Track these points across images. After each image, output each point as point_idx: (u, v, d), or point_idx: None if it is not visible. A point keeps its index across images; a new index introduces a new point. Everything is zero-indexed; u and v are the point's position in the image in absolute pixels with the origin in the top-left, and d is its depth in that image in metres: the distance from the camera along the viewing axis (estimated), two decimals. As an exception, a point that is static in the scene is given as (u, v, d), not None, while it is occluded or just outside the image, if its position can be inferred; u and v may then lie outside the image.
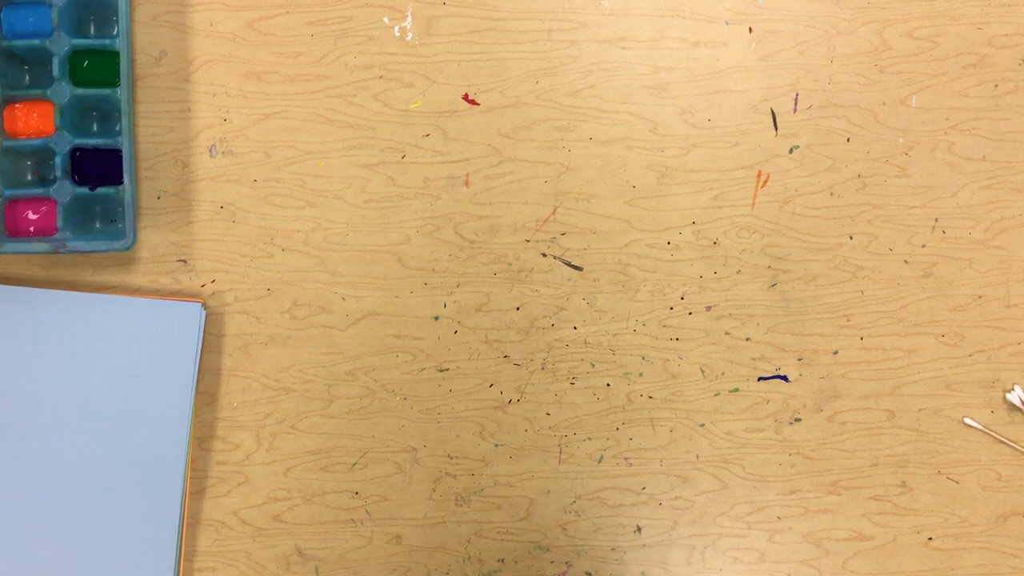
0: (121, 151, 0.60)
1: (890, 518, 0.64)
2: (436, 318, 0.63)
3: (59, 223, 0.59)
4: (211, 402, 0.62)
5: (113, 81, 0.60)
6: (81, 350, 0.60)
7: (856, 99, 0.64)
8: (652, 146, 0.63)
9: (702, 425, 0.64)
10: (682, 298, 0.64)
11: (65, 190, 0.59)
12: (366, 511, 0.63)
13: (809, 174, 0.64)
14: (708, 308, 0.64)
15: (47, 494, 0.59)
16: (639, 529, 0.64)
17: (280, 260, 0.62)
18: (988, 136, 0.64)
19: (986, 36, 0.64)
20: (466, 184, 0.63)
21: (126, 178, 0.60)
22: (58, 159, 0.59)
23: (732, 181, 0.64)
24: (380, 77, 0.62)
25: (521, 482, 0.63)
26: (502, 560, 0.63)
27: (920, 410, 0.64)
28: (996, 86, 0.64)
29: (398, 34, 0.63)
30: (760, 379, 0.64)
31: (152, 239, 0.62)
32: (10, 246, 0.58)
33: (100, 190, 0.59)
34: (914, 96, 0.64)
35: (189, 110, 0.62)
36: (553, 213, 0.63)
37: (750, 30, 0.63)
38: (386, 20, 0.62)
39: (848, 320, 0.64)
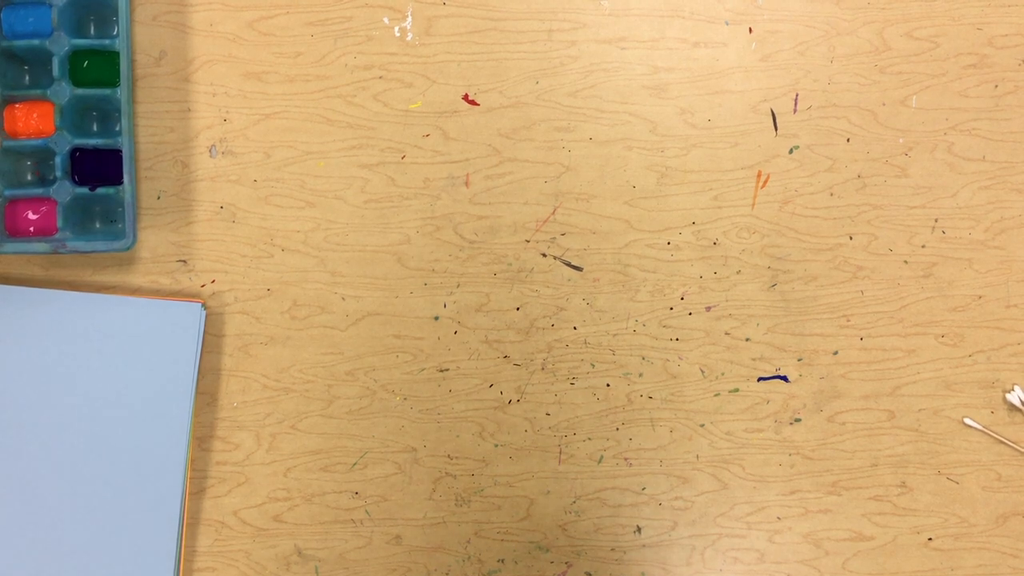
0: (121, 151, 0.60)
1: (890, 518, 0.64)
2: (436, 318, 0.63)
3: (59, 223, 0.59)
4: (211, 402, 0.62)
5: (113, 81, 0.60)
6: (81, 350, 0.60)
7: (856, 99, 0.64)
8: (652, 146, 0.63)
9: (702, 425, 0.64)
10: (682, 298, 0.64)
11: (65, 190, 0.59)
12: (366, 511, 0.63)
13: (809, 174, 0.64)
14: (708, 308, 0.64)
15: (47, 494, 0.59)
16: (639, 529, 0.64)
17: (280, 260, 0.62)
18: (988, 136, 0.64)
19: (986, 36, 0.64)
20: (466, 184, 0.63)
21: (126, 178, 0.60)
22: (58, 159, 0.59)
23: (732, 181, 0.64)
24: (380, 77, 0.62)
25: (521, 482, 0.63)
26: (502, 560, 0.63)
27: (920, 410, 0.64)
28: (996, 86, 0.64)
29: (398, 34, 0.63)
30: (760, 379, 0.64)
31: (152, 239, 0.62)
32: (10, 246, 0.58)
33: (100, 190, 0.59)
34: (914, 96, 0.64)
35: (189, 110, 0.62)
36: (553, 213, 0.63)
37: (750, 30, 0.63)
38: (386, 20, 0.62)
39: (848, 320, 0.64)
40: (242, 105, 0.62)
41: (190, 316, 0.60)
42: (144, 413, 0.60)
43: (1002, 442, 0.64)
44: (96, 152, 0.60)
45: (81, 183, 0.60)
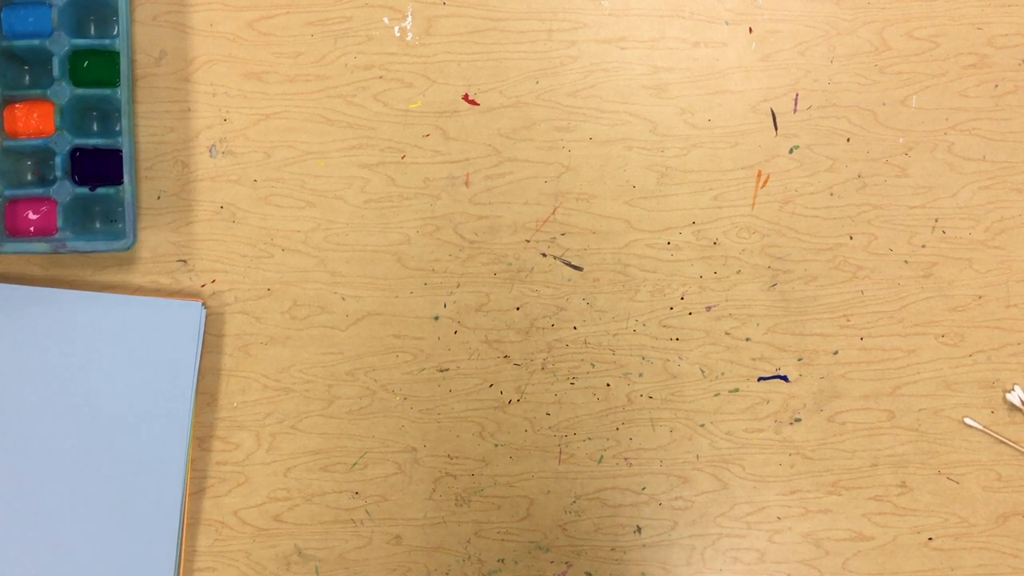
0: (121, 151, 0.60)
1: (890, 518, 0.64)
2: (436, 318, 0.63)
3: (59, 223, 0.59)
4: (211, 402, 0.62)
5: (113, 81, 0.60)
6: (81, 349, 0.60)
7: (856, 99, 0.64)
8: (652, 146, 0.63)
9: (702, 425, 0.64)
10: (682, 298, 0.64)
11: (65, 190, 0.59)
12: (366, 511, 0.63)
13: (809, 174, 0.64)
14: (708, 308, 0.64)
15: (47, 493, 0.59)
16: (639, 529, 0.64)
17: (280, 260, 0.62)
18: (988, 136, 0.64)
19: (986, 36, 0.64)
20: (466, 184, 0.63)
21: (126, 178, 0.60)
22: (58, 159, 0.59)
23: (732, 181, 0.64)
24: (380, 77, 0.62)
25: (521, 482, 0.63)
26: (502, 560, 0.63)
27: (920, 410, 0.64)
28: (996, 86, 0.64)
29: (398, 34, 0.63)
30: (760, 379, 0.64)
31: (152, 239, 0.62)
32: (10, 246, 0.58)
33: (100, 190, 0.59)
34: (914, 96, 0.64)
35: (189, 110, 0.62)
36: (553, 213, 0.63)
37: (750, 30, 0.63)
38: (386, 20, 0.62)
39: (848, 320, 0.64)
40: (242, 105, 0.62)
41: (190, 315, 0.60)
42: (144, 412, 0.60)
43: (1002, 442, 0.64)
44: (96, 152, 0.60)
45: (81, 183, 0.60)
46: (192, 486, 0.62)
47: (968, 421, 0.64)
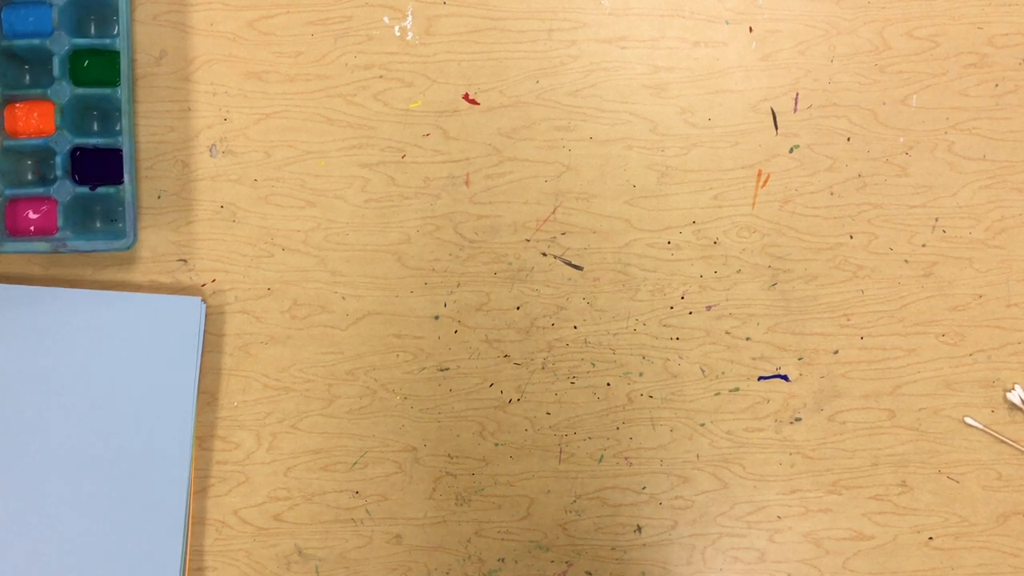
0: (121, 151, 0.60)
1: (890, 518, 0.64)
2: (436, 317, 0.63)
3: (59, 223, 0.59)
4: (211, 401, 0.62)
5: (113, 81, 0.60)
6: (82, 348, 0.60)
7: (856, 98, 0.64)
8: (652, 146, 0.63)
9: (702, 424, 0.64)
10: (682, 297, 0.64)
11: (65, 189, 0.59)
12: (366, 511, 0.63)
13: (809, 173, 0.64)
14: (708, 307, 0.64)
15: (52, 493, 0.59)
16: (639, 528, 0.64)
17: (280, 260, 0.62)
18: (988, 136, 0.64)
19: (986, 36, 0.64)
20: (466, 183, 0.63)
21: (126, 178, 0.60)
22: (58, 158, 0.59)
23: (732, 181, 0.64)
24: (380, 77, 0.62)
25: (521, 481, 0.63)
26: (502, 559, 0.63)
27: (920, 409, 0.64)
28: (996, 85, 0.64)
29: (398, 34, 0.63)
30: (760, 378, 0.64)
31: (152, 239, 0.62)
32: (10, 245, 0.58)
33: (100, 190, 0.60)
34: (914, 96, 0.64)
35: (189, 110, 0.62)
36: (553, 213, 0.63)
37: (750, 30, 0.63)
38: (386, 20, 0.62)
39: (848, 320, 0.64)
40: (242, 104, 0.62)
41: (191, 311, 0.60)
42: (147, 409, 0.60)
43: (1003, 441, 0.64)
44: (96, 151, 0.60)
45: (81, 182, 0.60)
46: (193, 485, 0.62)
47: (968, 420, 0.64)
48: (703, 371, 0.64)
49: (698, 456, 0.64)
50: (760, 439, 0.64)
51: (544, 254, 0.63)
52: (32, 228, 0.60)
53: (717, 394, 0.64)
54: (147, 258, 0.62)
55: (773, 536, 0.64)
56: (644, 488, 0.64)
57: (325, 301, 0.63)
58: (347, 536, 0.63)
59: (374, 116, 0.63)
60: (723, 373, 0.64)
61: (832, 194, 0.64)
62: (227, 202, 0.62)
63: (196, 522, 0.62)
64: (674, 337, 0.64)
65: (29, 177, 0.62)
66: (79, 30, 0.61)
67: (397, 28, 0.62)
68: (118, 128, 0.60)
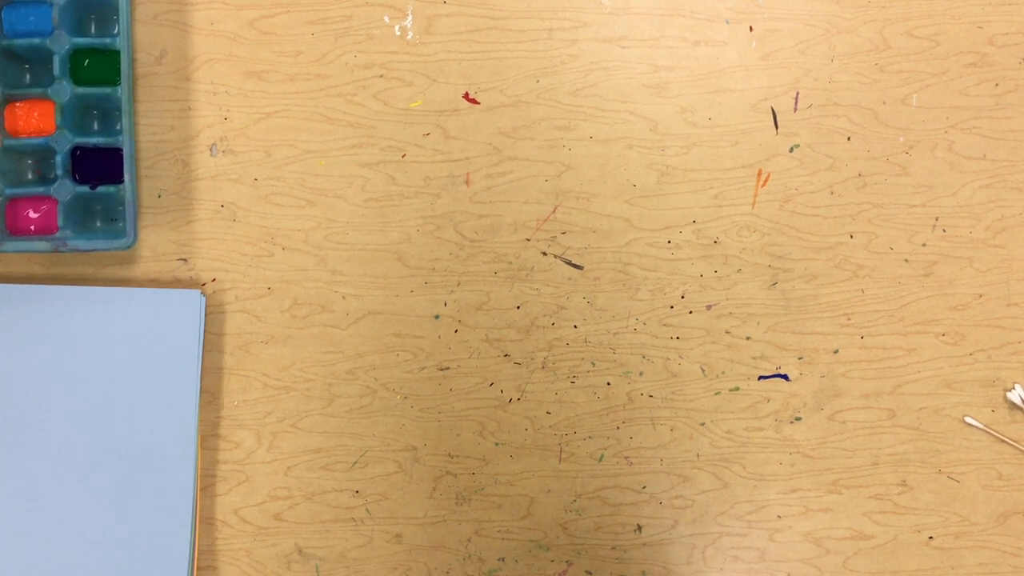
0: (122, 150, 0.60)
1: (891, 517, 0.64)
2: (436, 317, 0.63)
3: (60, 222, 0.59)
4: (211, 401, 0.62)
5: (114, 80, 0.60)
6: (84, 345, 0.60)
7: (856, 98, 0.64)
8: (652, 145, 0.63)
9: (702, 424, 0.64)
10: (682, 297, 0.64)
11: (66, 189, 0.59)
12: (366, 510, 0.63)
13: (809, 173, 0.64)
14: (708, 307, 0.64)
15: (60, 492, 0.59)
16: (639, 528, 0.64)
17: (280, 259, 0.62)
18: (988, 135, 0.64)
19: (986, 35, 0.64)
20: (466, 183, 0.63)
21: (126, 177, 0.60)
22: (59, 158, 0.59)
23: (732, 180, 0.64)
24: (380, 76, 0.62)
25: (521, 481, 0.63)
26: (502, 559, 0.63)
27: (920, 409, 0.64)
28: (997, 85, 0.64)
29: (398, 33, 0.63)
30: (760, 378, 0.64)
31: (153, 238, 0.62)
32: (11, 245, 0.58)
33: (101, 189, 0.60)
34: (914, 95, 0.64)
35: (190, 109, 0.62)
36: (553, 212, 0.63)
37: (750, 29, 0.63)
38: (386, 19, 0.62)
39: (848, 319, 0.64)
40: (242, 104, 0.62)
41: (190, 303, 0.60)
42: (151, 404, 0.60)
43: (1003, 441, 0.64)
44: (97, 151, 0.60)
45: (82, 182, 0.60)
46: (200, 482, 0.62)
47: (969, 420, 0.64)
48: (703, 370, 0.64)
49: (698, 455, 0.64)
50: (760, 438, 0.64)
51: (544, 253, 0.63)
52: (32, 227, 0.60)
53: (717, 393, 0.64)
54: (147, 257, 0.62)
55: (773, 535, 0.64)
56: (644, 487, 0.64)
57: (325, 300, 0.63)
58: (347, 535, 0.63)
59: (374, 115, 0.63)
60: (723, 372, 0.64)
61: (832, 193, 0.64)
62: (227, 201, 0.62)
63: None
64: (674, 336, 0.64)
65: (29, 176, 0.62)
66: (79, 29, 0.61)
67: (397, 27, 0.62)
68: (118, 127, 0.60)
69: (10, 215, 0.60)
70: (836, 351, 0.64)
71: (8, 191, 0.59)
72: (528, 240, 0.63)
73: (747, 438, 0.64)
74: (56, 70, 0.59)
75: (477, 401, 0.63)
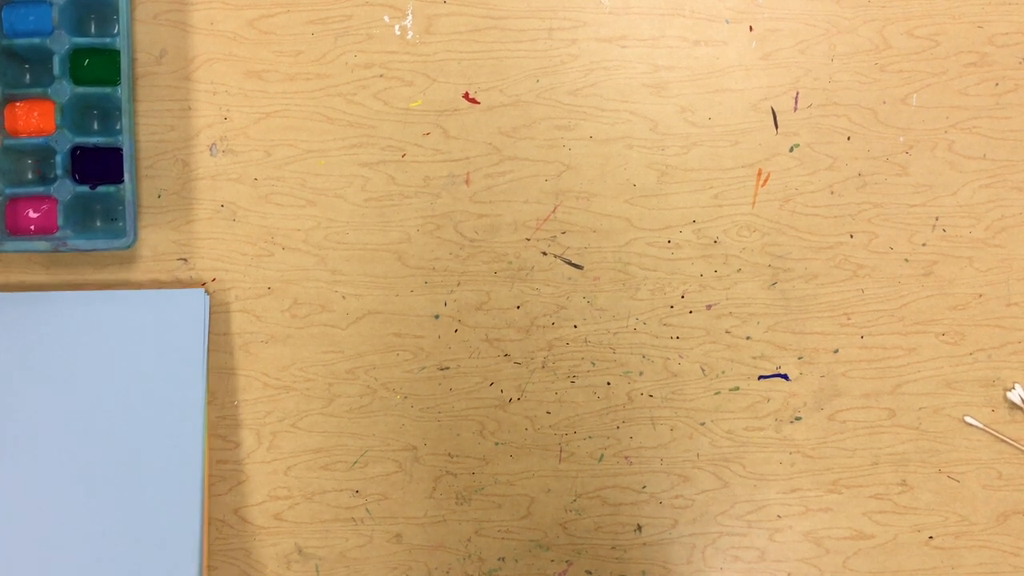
0: (122, 149, 0.60)
1: (891, 517, 0.64)
2: (436, 317, 0.63)
3: (60, 222, 0.59)
4: (211, 400, 0.62)
5: (114, 80, 0.60)
6: (90, 349, 0.60)
7: (857, 97, 0.64)
8: (652, 145, 0.63)
9: (702, 424, 0.64)
10: (682, 297, 0.64)
11: (66, 189, 0.59)
12: (366, 510, 0.63)
13: (809, 172, 0.64)
14: (708, 307, 0.64)
15: (69, 494, 0.59)
16: (639, 528, 0.64)
17: (280, 259, 0.62)
18: (989, 135, 0.64)
19: (986, 35, 0.64)
20: (466, 183, 0.63)
21: (127, 177, 0.60)
22: (59, 158, 0.59)
23: (732, 180, 0.64)
24: (380, 76, 0.62)
25: (521, 481, 0.63)
26: (503, 559, 0.63)
27: (920, 409, 0.64)
28: (997, 84, 0.64)
29: (398, 32, 0.63)
30: (760, 378, 0.64)
31: (153, 237, 0.62)
32: (11, 244, 0.59)
33: (101, 189, 0.60)
34: (914, 95, 0.64)
35: (190, 109, 0.62)
36: (553, 212, 0.63)
37: (750, 29, 0.63)
38: (386, 19, 0.62)
39: (848, 319, 0.64)
40: (242, 103, 0.62)
41: (194, 303, 0.60)
42: (158, 406, 0.60)
43: (1003, 440, 0.64)
44: (97, 150, 0.60)
45: (82, 181, 0.60)
46: (208, 480, 0.62)
47: (969, 420, 0.64)
48: (703, 370, 0.64)
49: (698, 455, 0.64)
50: (760, 438, 0.64)
51: (544, 253, 0.63)
52: (32, 227, 0.60)
53: (717, 393, 0.64)
54: (147, 257, 0.62)
55: (773, 535, 0.64)
56: (644, 487, 0.64)
57: (325, 300, 0.63)
58: (347, 535, 0.63)
59: (374, 115, 0.63)
60: (723, 372, 0.64)
61: (832, 193, 0.64)
62: (227, 201, 0.62)
63: (196, 521, 0.62)
64: (674, 336, 0.64)
65: (29, 176, 0.62)
66: (79, 29, 0.61)
67: (397, 27, 0.62)
68: (118, 127, 0.60)
69: (10, 215, 0.60)
70: (836, 351, 0.64)
71: (8, 191, 0.59)
72: (528, 240, 0.63)
73: (747, 438, 0.64)
74: (56, 70, 0.59)
75: (477, 401, 0.63)
